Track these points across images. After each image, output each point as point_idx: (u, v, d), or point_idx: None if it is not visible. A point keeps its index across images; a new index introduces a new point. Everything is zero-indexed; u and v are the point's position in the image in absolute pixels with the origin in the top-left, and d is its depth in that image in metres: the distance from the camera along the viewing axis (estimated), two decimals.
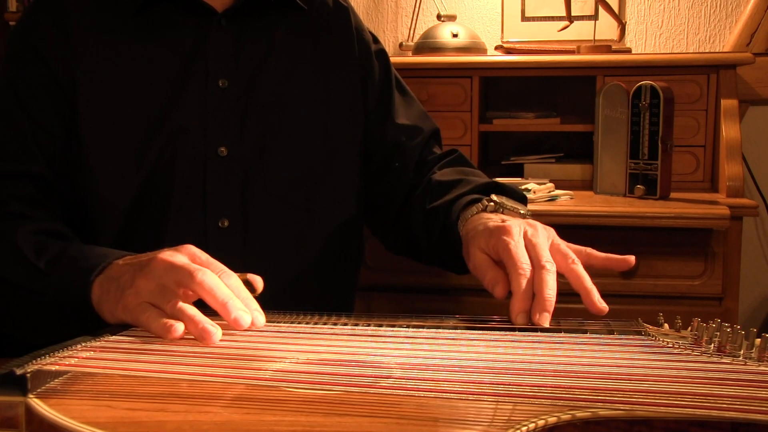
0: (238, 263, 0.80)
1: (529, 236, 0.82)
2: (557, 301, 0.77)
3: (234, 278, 0.77)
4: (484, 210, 0.93)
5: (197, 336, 0.70)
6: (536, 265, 0.79)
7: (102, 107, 0.97)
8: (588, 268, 0.83)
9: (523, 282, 0.77)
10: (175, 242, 0.83)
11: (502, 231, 0.82)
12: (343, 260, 1.11)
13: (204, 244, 0.95)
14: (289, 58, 1.05)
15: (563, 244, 0.84)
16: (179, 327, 0.71)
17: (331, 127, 1.07)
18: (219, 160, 0.99)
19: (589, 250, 0.86)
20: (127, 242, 0.94)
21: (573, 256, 0.82)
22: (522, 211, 0.93)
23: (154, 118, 0.97)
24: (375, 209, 1.16)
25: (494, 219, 0.89)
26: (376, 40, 1.16)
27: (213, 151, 0.99)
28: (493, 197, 0.94)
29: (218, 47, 1.01)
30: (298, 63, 1.06)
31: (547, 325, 0.76)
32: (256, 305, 0.77)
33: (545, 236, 0.83)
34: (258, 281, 0.80)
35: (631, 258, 0.86)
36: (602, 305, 0.79)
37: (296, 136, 1.04)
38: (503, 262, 0.81)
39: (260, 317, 0.76)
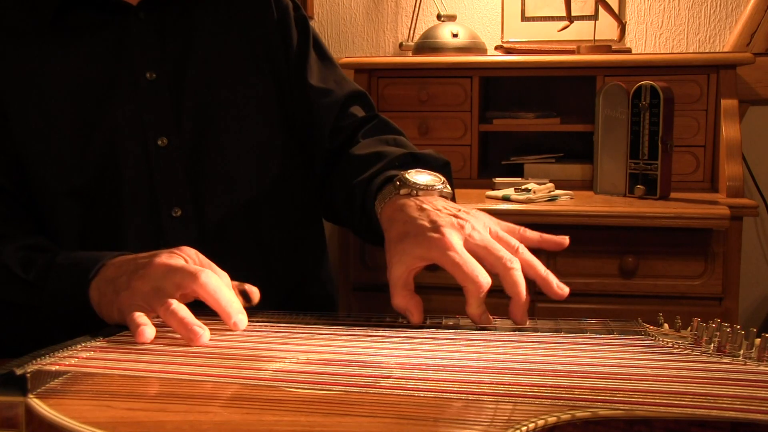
0: (196, 248, 0.80)
1: (475, 242, 0.78)
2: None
3: (225, 278, 0.78)
4: (398, 192, 0.86)
5: (185, 338, 0.70)
6: (502, 269, 0.76)
7: (32, 114, 0.96)
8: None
9: (479, 294, 0.75)
10: (131, 237, 0.82)
11: (441, 245, 0.77)
12: (303, 225, 1.11)
13: (160, 234, 0.97)
14: (213, 36, 1.04)
15: (500, 230, 0.81)
16: (149, 332, 0.70)
17: (263, 95, 1.06)
18: (161, 152, 0.99)
19: (522, 229, 0.83)
20: (84, 242, 0.94)
21: (516, 242, 0.80)
22: (438, 186, 0.87)
23: (88, 119, 0.97)
24: None
25: (418, 215, 0.82)
26: (297, 7, 1.13)
27: (153, 143, 0.99)
28: (406, 176, 0.87)
29: (140, 41, 1.00)
30: (222, 39, 1.05)
31: (525, 323, 0.76)
32: (239, 306, 0.77)
33: (485, 229, 0.80)
34: (255, 292, 0.81)
35: (565, 239, 0.82)
36: (563, 290, 0.78)
37: (232, 111, 1.03)
38: (455, 278, 0.77)
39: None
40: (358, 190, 0.97)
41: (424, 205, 0.84)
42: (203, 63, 1.03)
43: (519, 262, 0.77)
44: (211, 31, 1.05)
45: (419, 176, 0.88)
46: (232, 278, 0.80)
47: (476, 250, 0.77)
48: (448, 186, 0.89)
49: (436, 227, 0.79)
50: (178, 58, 1.02)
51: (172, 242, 0.79)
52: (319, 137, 1.09)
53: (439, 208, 0.83)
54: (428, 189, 0.86)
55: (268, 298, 0.83)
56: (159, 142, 0.99)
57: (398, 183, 0.87)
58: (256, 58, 1.06)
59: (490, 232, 0.80)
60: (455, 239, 0.77)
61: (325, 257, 1.17)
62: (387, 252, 0.83)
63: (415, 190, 0.86)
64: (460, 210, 0.83)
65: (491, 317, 0.77)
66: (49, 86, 0.97)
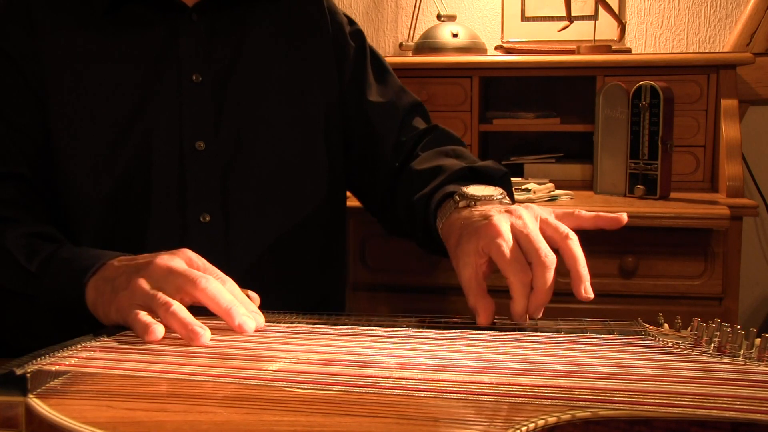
0: (221, 257, 0.80)
1: (519, 228, 0.78)
2: (556, 301, 0.77)
3: (230, 283, 0.77)
4: (457, 207, 0.88)
5: (185, 338, 0.70)
6: (535, 261, 0.76)
7: (73, 105, 0.96)
8: (579, 230, 0.81)
9: (521, 287, 0.76)
10: (156, 239, 0.82)
11: (490, 232, 0.78)
12: (328, 248, 1.10)
13: (186, 239, 0.96)
14: (263, 46, 1.04)
15: (551, 218, 0.82)
16: (159, 330, 0.70)
17: (309, 113, 1.06)
18: (197, 155, 0.98)
19: (577, 211, 0.84)
20: (108, 240, 0.93)
21: (566, 230, 0.80)
22: (497, 196, 0.88)
23: (127, 115, 0.97)
24: (363, 196, 1.16)
25: (474, 216, 0.84)
26: (351, 22, 1.14)
27: (190, 146, 0.98)
28: (464, 190, 0.89)
29: (190, 42, 1.00)
30: (272, 51, 1.05)
31: (538, 316, 0.76)
32: (254, 307, 0.77)
33: (532, 220, 0.80)
34: (255, 298, 0.80)
35: (623, 215, 0.83)
36: (588, 294, 0.78)
37: (274, 125, 1.03)
38: (497, 265, 0.78)
39: (260, 318, 0.76)
40: (419, 205, 0.98)
41: (480, 209, 0.85)
42: (250, 73, 1.02)
43: (555, 260, 0.77)
44: (263, 42, 1.04)
45: (478, 190, 0.89)
46: (258, 290, 0.80)
47: (518, 237, 0.78)
48: (507, 197, 0.90)
49: (486, 217, 0.81)
50: (226, 64, 1.01)
51: (196, 248, 0.79)
52: (381, 154, 1.09)
53: (493, 207, 0.85)
54: (486, 200, 0.88)
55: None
56: (196, 146, 0.98)
57: (458, 198, 0.89)
58: (306, 74, 1.06)
59: (541, 221, 0.80)
60: (503, 224, 0.78)
61: (346, 275, 1.16)
62: (452, 260, 0.85)
63: (474, 201, 0.88)
64: (513, 205, 0.84)
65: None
66: (93, 78, 0.97)
